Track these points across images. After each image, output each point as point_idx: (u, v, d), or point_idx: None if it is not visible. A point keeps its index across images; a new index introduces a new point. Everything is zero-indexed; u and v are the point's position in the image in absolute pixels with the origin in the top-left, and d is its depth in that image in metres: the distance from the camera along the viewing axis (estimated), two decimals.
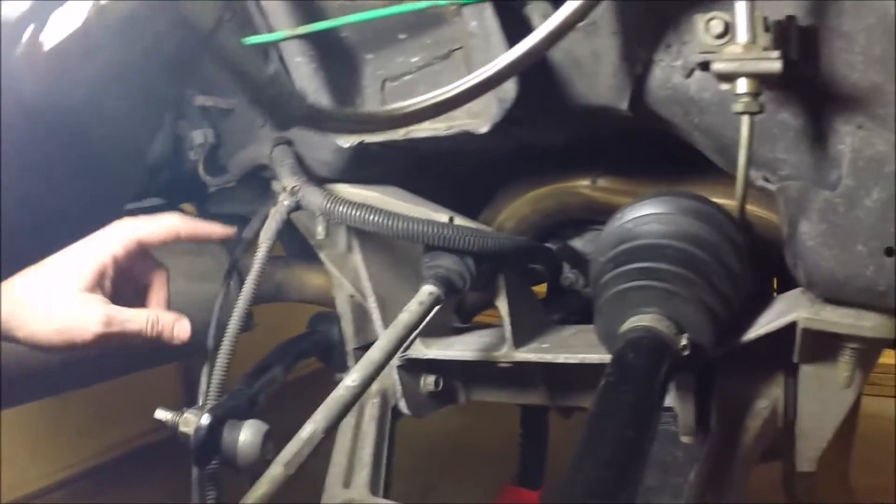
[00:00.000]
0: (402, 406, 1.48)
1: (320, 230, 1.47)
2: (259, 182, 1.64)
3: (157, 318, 1.08)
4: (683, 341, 1.04)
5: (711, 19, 0.94)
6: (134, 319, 1.05)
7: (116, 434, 2.79)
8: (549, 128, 1.23)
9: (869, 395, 1.33)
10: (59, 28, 0.52)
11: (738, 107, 0.93)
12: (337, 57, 1.27)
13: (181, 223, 1.12)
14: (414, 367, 1.46)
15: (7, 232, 0.59)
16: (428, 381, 1.48)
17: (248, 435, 1.09)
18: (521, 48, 0.84)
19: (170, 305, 1.15)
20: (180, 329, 1.11)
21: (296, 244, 1.81)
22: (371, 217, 1.21)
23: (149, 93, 0.60)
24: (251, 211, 1.80)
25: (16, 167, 0.55)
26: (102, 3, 0.49)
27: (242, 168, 1.57)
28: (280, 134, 1.41)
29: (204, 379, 1.31)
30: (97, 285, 1.02)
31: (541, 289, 1.67)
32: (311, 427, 1.03)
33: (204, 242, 1.65)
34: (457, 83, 0.82)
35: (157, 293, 1.16)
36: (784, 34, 0.93)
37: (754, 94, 0.91)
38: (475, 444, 2.87)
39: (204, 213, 1.89)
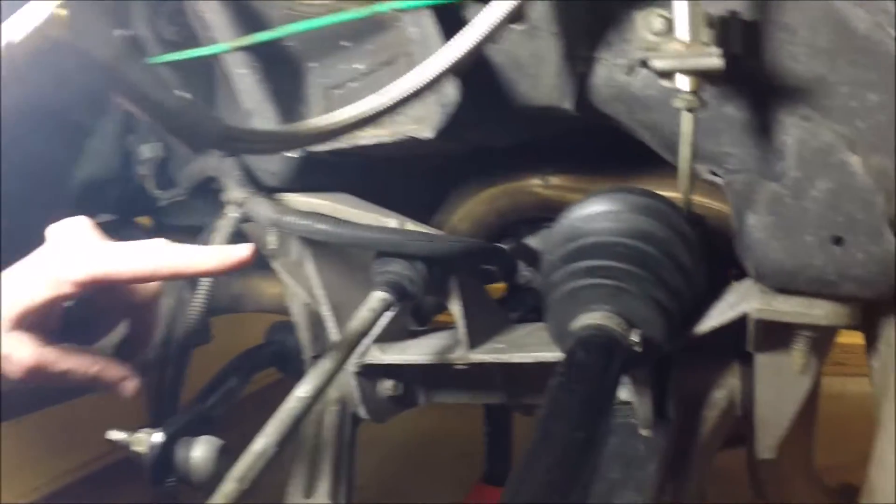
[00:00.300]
0: (362, 412, 1.47)
1: (272, 240, 1.46)
2: (212, 194, 1.62)
3: (101, 373, 1.00)
4: (635, 337, 1.04)
5: (651, 16, 0.94)
6: (73, 371, 0.98)
7: (85, 452, 2.75)
8: (495, 129, 1.22)
9: (833, 374, 1.35)
10: None
11: (679, 103, 0.93)
12: (280, 67, 1.25)
13: (162, 260, 0.93)
14: (371, 373, 1.45)
15: None
16: (386, 386, 1.46)
17: (200, 451, 1.08)
18: (439, 62, 0.83)
19: (154, 334, 1.08)
20: (125, 389, 1.04)
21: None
22: (318, 226, 1.20)
23: (64, 121, 0.59)
24: (204, 223, 1.78)
25: None
26: (9, 42, 0.48)
27: (192, 181, 1.56)
28: None
29: (159, 395, 1.30)
30: (34, 323, 0.92)
31: (500, 286, 1.68)
32: (264, 441, 1.01)
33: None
34: (376, 95, 0.80)
35: (140, 326, 1.06)
36: (726, 29, 0.93)
37: (695, 91, 0.91)
38: (445, 443, 2.87)
39: (160, 226, 1.87)
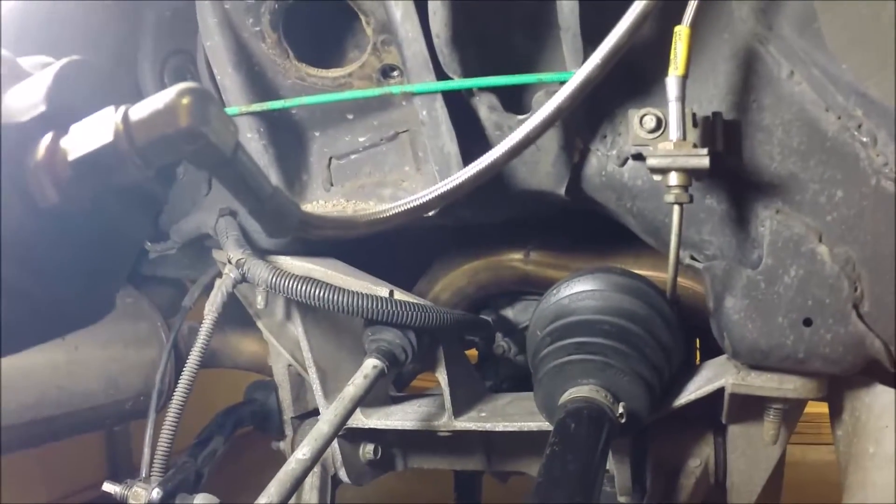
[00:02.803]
0: (342, 475, 1.50)
1: (260, 300, 1.48)
2: (197, 248, 1.64)
3: None
4: (620, 410, 1.11)
5: (645, 115, 1.02)
6: None
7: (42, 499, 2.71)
8: (490, 209, 1.29)
9: (793, 443, 1.40)
10: (83, 139, 0.56)
11: (670, 198, 1.01)
12: (285, 133, 1.31)
13: None
14: (353, 437, 1.49)
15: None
16: (367, 450, 1.50)
17: None
18: (483, 161, 0.90)
19: None
20: None
21: (229, 311, 1.82)
22: (317, 292, 1.23)
23: (142, 192, 0.63)
24: (186, 276, 1.81)
25: (16, 266, 0.57)
26: (132, 122, 0.53)
27: (185, 236, 1.58)
28: (224, 205, 1.43)
29: (147, 449, 1.31)
30: None
31: (471, 353, 1.72)
32: (266, 501, 1.04)
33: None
34: (428, 191, 0.87)
35: None
36: (711, 129, 1.02)
37: (684, 186, 1.00)
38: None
39: (136, 276, 1.88)
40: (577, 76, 0.88)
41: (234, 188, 0.60)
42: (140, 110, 0.54)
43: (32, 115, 0.58)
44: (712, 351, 1.28)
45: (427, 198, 0.85)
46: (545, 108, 0.89)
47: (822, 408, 1.28)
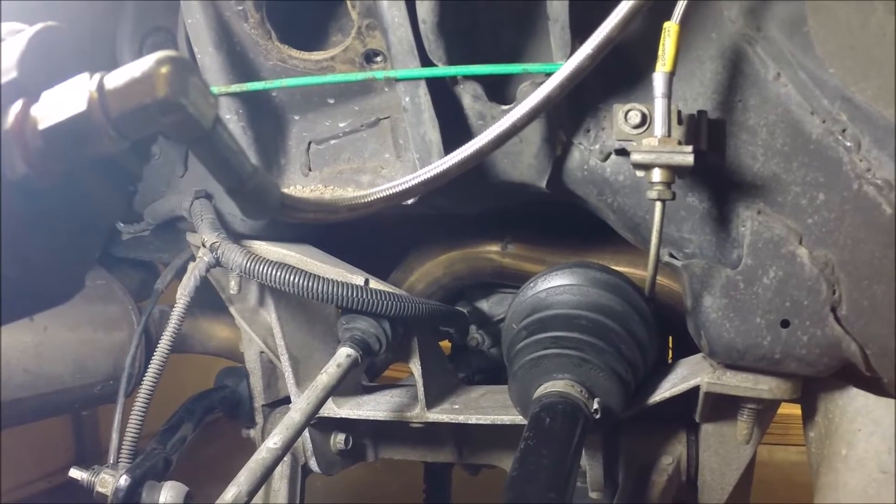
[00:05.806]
0: (313, 464, 1.49)
1: (233, 285, 1.46)
2: (171, 231, 1.62)
3: None
4: (595, 405, 1.10)
5: (630, 110, 1.02)
6: None
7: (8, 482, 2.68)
8: (471, 199, 1.28)
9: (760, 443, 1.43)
10: (56, 108, 0.53)
11: (652, 194, 1.00)
12: (265, 116, 1.28)
13: None
14: (324, 426, 1.47)
15: None
16: (338, 440, 1.49)
17: (169, 497, 1.08)
18: (468, 149, 0.89)
19: None
20: None
21: (201, 295, 1.80)
22: (292, 278, 1.21)
23: (117, 167, 0.61)
24: (159, 258, 1.78)
25: None
26: (107, 90, 0.51)
27: (159, 217, 1.55)
28: (200, 187, 1.41)
29: (115, 435, 1.29)
30: None
31: (444, 344, 1.71)
32: (235, 490, 1.03)
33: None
34: (410, 176, 0.86)
35: None
36: (695, 127, 1.01)
37: (667, 183, 0.99)
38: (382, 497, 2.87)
39: (107, 257, 1.85)
40: (567, 67, 0.87)
41: (213, 165, 0.58)
42: (116, 78, 0.51)
43: (3, 82, 0.56)
44: (686, 349, 1.28)
45: (409, 184, 0.84)
46: (532, 98, 0.88)
47: (791, 409, 1.29)
